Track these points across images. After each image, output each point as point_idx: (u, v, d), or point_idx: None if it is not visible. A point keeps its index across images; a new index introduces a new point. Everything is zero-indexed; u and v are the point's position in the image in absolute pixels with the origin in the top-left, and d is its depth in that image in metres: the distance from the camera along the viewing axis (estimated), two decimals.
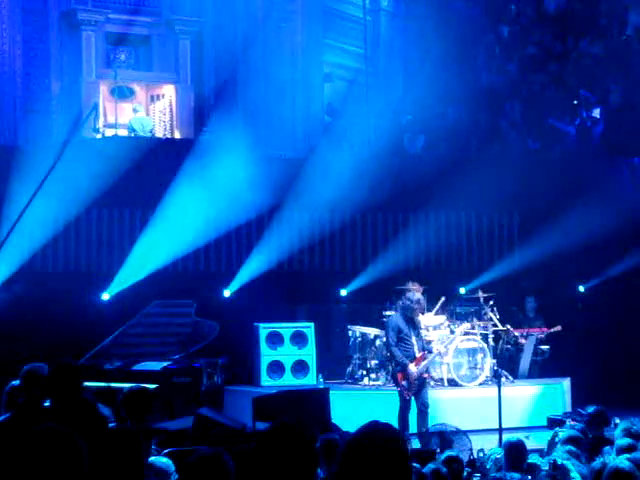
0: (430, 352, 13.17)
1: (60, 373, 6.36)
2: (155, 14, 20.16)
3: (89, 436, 3.77)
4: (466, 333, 15.57)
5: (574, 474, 7.24)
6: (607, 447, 8.86)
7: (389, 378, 14.56)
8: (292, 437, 3.72)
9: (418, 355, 12.74)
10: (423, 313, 13.94)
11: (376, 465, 3.45)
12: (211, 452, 4.11)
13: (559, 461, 7.27)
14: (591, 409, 10.17)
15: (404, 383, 12.65)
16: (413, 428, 12.60)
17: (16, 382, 7.21)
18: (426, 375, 13.07)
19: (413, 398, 12.76)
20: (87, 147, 16.64)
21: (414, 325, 12.93)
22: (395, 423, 12.53)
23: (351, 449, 3.52)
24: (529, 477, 7.75)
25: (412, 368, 12.61)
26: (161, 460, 6.58)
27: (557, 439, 8.73)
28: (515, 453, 8.22)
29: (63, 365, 6.44)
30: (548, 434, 10.42)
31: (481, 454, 10.01)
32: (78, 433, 3.60)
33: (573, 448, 7.80)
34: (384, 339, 14.14)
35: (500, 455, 8.46)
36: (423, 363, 12.75)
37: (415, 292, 13.90)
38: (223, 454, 4.09)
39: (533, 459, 7.83)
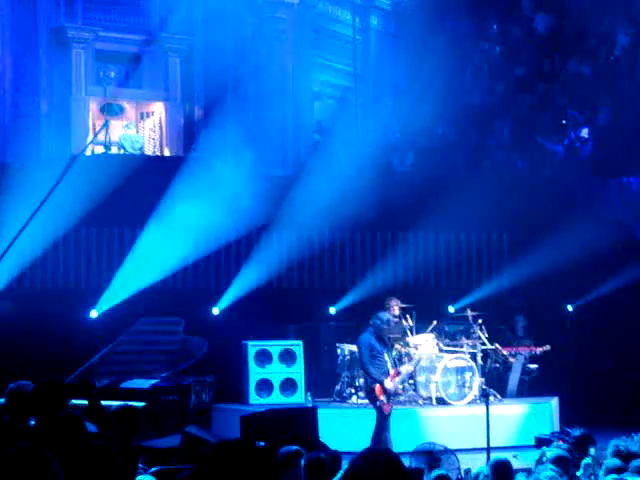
0: (400, 372, 13.25)
1: (43, 391, 6.30)
2: (145, 32, 20.17)
3: (73, 454, 3.75)
4: (453, 352, 15.61)
5: None
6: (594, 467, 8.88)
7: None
8: (234, 458, 3.66)
9: (392, 372, 12.86)
10: (392, 332, 14.23)
11: None
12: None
13: None
14: (577, 432, 10.18)
15: (383, 398, 12.73)
16: (398, 447, 12.56)
17: (1, 400, 7.17)
18: (401, 391, 13.23)
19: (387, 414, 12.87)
20: (76, 164, 16.61)
21: (385, 343, 13.09)
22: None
23: (353, 475, 3.52)
24: None
25: (388, 384, 12.72)
26: (145, 479, 6.56)
27: (545, 458, 8.73)
28: (501, 472, 8.22)
29: (46, 383, 6.38)
30: (536, 453, 10.41)
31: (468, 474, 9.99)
32: (62, 451, 3.58)
33: (559, 468, 7.79)
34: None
35: (488, 477, 8.45)
36: (397, 379, 12.88)
37: (393, 308, 14.19)
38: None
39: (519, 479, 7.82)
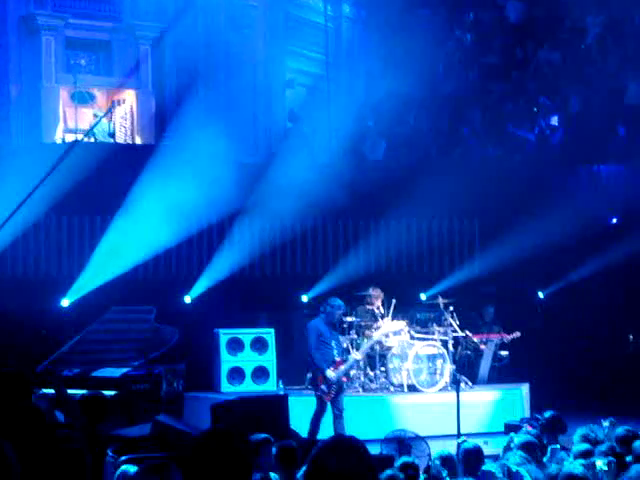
0: (346, 360, 13.24)
1: (5, 381, 6.23)
2: (116, 19, 20.08)
3: (35, 444, 3.73)
4: (425, 339, 15.66)
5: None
6: (562, 452, 8.93)
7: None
8: (224, 443, 3.71)
9: (337, 360, 12.89)
10: (341, 319, 14.31)
11: (344, 477, 3.47)
12: (158, 462, 4.11)
13: (513, 468, 7.32)
14: (547, 414, 10.23)
15: (323, 387, 12.78)
16: (369, 434, 12.57)
17: None
18: (345, 379, 13.22)
19: (329, 402, 12.91)
20: (47, 152, 16.52)
21: (334, 330, 13.16)
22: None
23: (317, 462, 3.54)
24: None
25: (330, 373, 12.75)
26: (131, 470, 6.54)
27: (512, 445, 8.78)
28: (471, 459, 8.25)
29: (8, 372, 6.31)
30: (505, 439, 10.46)
31: (437, 462, 10.02)
32: (24, 441, 3.57)
33: (527, 454, 7.84)
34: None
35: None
36: (342, 368, 12.91)
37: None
38: (170, 464, 4.10)
39: (487, 466, 7.85)
